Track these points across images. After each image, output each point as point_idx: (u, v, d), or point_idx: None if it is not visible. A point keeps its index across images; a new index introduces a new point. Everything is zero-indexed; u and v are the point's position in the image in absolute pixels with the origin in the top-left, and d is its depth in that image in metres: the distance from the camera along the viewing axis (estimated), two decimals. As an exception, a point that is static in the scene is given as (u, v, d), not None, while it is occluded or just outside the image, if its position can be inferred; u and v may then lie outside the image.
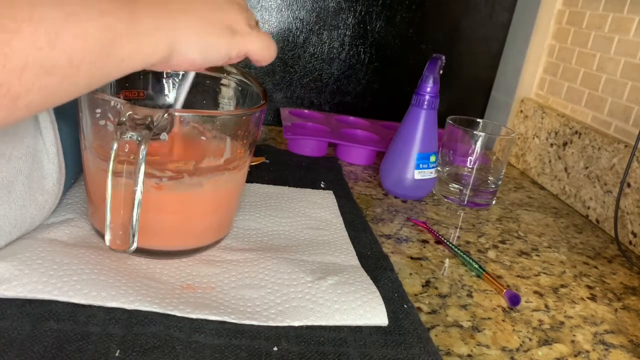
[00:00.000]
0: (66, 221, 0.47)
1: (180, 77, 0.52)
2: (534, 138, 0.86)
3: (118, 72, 0.32)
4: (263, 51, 0.40)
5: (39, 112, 0.30)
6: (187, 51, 0.35)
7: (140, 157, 0.34)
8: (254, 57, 0.40)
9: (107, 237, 0.37)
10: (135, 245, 0.37)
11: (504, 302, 0.49)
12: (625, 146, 0.68)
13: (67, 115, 0.47)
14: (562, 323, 0.47)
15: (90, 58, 0.29)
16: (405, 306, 0.44)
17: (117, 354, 0.34)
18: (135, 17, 0.31)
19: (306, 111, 0.91)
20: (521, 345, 0.43)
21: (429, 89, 0.65)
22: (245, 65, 0.89)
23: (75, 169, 0.50)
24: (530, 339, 0.44)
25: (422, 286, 0.49)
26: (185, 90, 0.45)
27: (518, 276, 0.54)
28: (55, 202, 0.45)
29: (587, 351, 0.44)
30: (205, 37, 0.36)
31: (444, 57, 0.66)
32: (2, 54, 0.25)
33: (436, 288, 0.49)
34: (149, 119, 0.36)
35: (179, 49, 0.34)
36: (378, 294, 0.44)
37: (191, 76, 0.44)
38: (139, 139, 0.34)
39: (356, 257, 0.50)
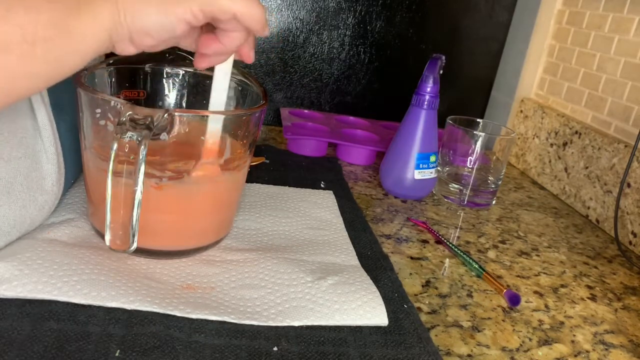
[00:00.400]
0: (66, 221, 0.47)
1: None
2: (534, 138, 0.86)
3: (75, 53, 0.31)
4: (234, 3, 0.34)
5: (2, 105, 0.30)
6: (135, 19, 0.32)
7: (140, 157, 0.34)
8: (225, 13, 0.34)
9: (107, 237, 0.37)
10: (135, 245, 0.37)
11: (504, 302, 0.49)
12: (625, 146, 0.68)
13: (66, 115, 0.47)
14: (562, 323, 0.47)
15: (43, 34, 0.28)
16: (405, 306, 0.44)
17: (117, 354, 0.34)
18: None
19: (306, 111, 0.91)
20: (521, 345, 0.43)
21: (429, 89, 0.65)
22: (245, 66, 0.89)
23: (75, 169, 0.50)
24: (530, 339, 0.44)
25: (422, 286, 0.49)
26: (220, 91, 0.43)
27: (518, 276, 0.54)
28: (55, 202, 0.45)
29: (587, 351, 0.44)
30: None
31: (444, 57, 0.66)
32: None
33: (436, 288, 0.49)
34: (149, 119, 0.36)
35: (124, 18, 0.32)
36: (378, 294, 0.44)
37: (221, 75, 0.43)
38: (139, 139, 0.34)
39: (356, 257, 0.50)
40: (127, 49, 0.34)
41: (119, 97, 0.48)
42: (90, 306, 0.38)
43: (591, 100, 0.77)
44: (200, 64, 0.40)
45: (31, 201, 0.42)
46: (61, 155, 0.45)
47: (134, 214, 0.35)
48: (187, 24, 0.34)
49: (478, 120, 0.74)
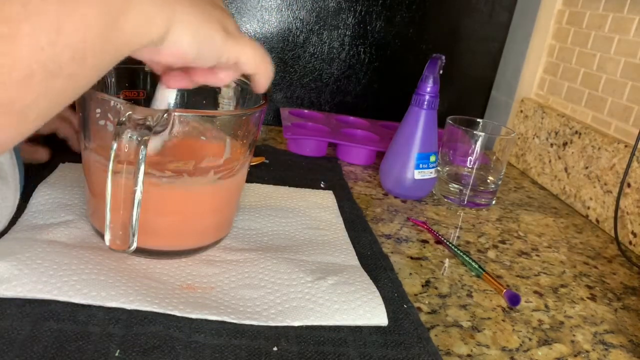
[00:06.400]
0: (65, 222, 0.47)
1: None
2: (534, 138, 0.86)
3: (119, 56, 0.29)
4: (257, 61, 0.37)
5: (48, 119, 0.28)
6: (181, 36, 0.31)
7: (140, 157, 0.34)
8: (247, 66, 0.36)
9: (107, 237, 0.37)
10: (135, 245, 0.37)
11: (503, 302, 0.49)
12: (625, 146, 0.68)
13: None
14: (562, 323, 0.47)
15: (93, 47, 0.26)
16: (405, 306, 0.44)
17: (117, 354, 0.34)
18: None
19: (306, 111, 0.91)
20: (521, 345, 0.43)
21: (429, 89, 0.65)
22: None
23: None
24: (530, 339, 0.44)
25: (422, 286, 0.49)
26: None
27: (518, 276, 0.54)
28: (16, 196, 0.45)
29: (587, 351, 0.44)
30: (202, 25, 0.32)
31: (444, 57, 0.66)
32: (2, 65, 0.23)
33: (436, 288, 0.49)
34: (149, 119, 0.36)
35: (173, 32, 0.31)
36: (378, 294, 0.44)
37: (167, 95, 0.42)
38: (139, 139, 0.34)
39: (356, 257, 0.50)
40: (148, 58, 0.34)
41: (119, 97, 0.48)
42: (90, 306, 0.38)
43: (591, 100, 0.77)
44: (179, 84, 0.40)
45: None
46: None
47: (134, 214, 0.35)
48: (219, 61, 0.35)
49: (478, 120, 0.74)
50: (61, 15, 0.25)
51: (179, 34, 0.31)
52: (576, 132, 0.77)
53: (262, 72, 0.38)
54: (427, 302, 0.47)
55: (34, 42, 0.24)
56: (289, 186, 0.64)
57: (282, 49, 0.89)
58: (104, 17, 0.26)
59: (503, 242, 0.62)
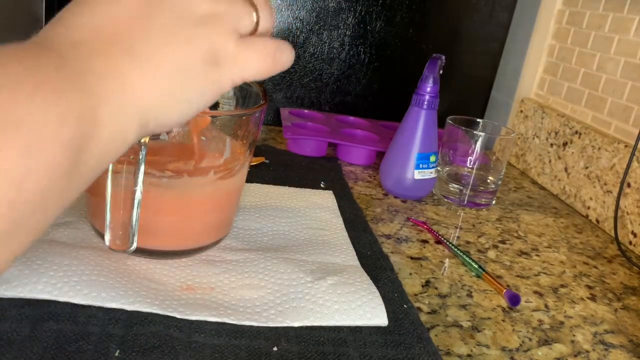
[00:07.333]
0: (64, 224, 0.46)
1: None
2: (534, 138, 0.86)
3: (92, 179, 0.26)
4: (266, 70, 0.31)
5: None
6: (164, 120, 0.27)
7: (140, 157, 0.34)
8: (257, 79, 0.31)
9: (107, 237, 0.37)
10: (135, 246, 0.37)
11: (503, 302, 0.49)
12: (625, 146, 0.68)
13: None
14: (562, 323, 0.47)
15: (58, 191, 0.23)
16: (405, 306, 0.44)
17: (117, 354, 0.34)
18: (89, 91, 0.23)
19: (306, 111, 0.91)
20: (521, 345, 0.43)
21: (429, 89, 0.65)
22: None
23: None
24: (530, 339, 0.44)
25: (422, 286, 0.49)
26: None
27: (518, 276, 0.54)
28: None
29: (587, 351, 0.44)
30: (185, 91, 0.27)
31: (444, 57, 0.66)
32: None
33: (436, 288, 0.49)
34: (149, 119, 0.35)
35: (154, 121, 0.26)
36: (378, 294, 0.44)
37: None
38: (139, 139, 0.34)
39: (356, 257, 0.50)
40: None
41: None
42: (90, 306, 0.38)
43: (591, 100, 0.77)
44: None
45: None
46: None
47: (134, 214, 0.35)
48: (224, 93, 0.31)
49: (478, 120, 0.74)
50: (22, 163, 0.20)
51: (161, 120, 0.27)
52: (576, 132, 0.77)
53: (275, 71, 0.33)
54: (427, 302, 0.47)
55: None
56: (289, 186, 0.64)
57: (282, 49, 0.89)
58: (69, 152, 0.22)
59: (503, 242, 0.62)
